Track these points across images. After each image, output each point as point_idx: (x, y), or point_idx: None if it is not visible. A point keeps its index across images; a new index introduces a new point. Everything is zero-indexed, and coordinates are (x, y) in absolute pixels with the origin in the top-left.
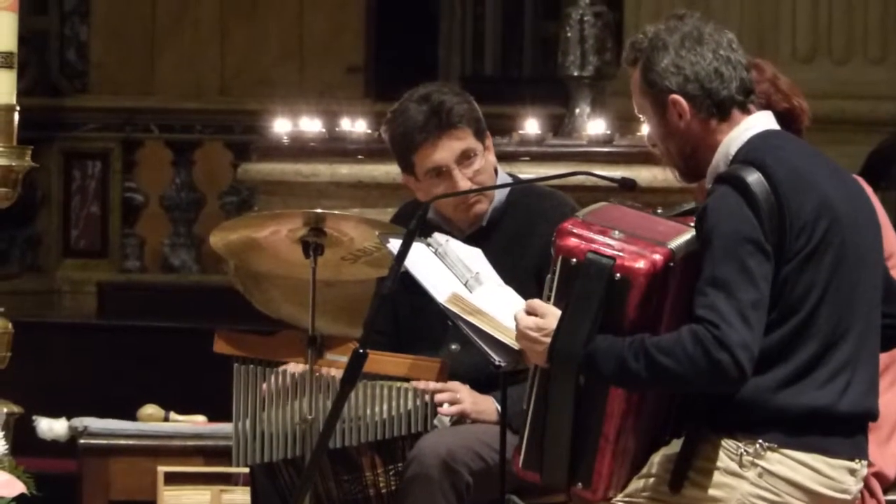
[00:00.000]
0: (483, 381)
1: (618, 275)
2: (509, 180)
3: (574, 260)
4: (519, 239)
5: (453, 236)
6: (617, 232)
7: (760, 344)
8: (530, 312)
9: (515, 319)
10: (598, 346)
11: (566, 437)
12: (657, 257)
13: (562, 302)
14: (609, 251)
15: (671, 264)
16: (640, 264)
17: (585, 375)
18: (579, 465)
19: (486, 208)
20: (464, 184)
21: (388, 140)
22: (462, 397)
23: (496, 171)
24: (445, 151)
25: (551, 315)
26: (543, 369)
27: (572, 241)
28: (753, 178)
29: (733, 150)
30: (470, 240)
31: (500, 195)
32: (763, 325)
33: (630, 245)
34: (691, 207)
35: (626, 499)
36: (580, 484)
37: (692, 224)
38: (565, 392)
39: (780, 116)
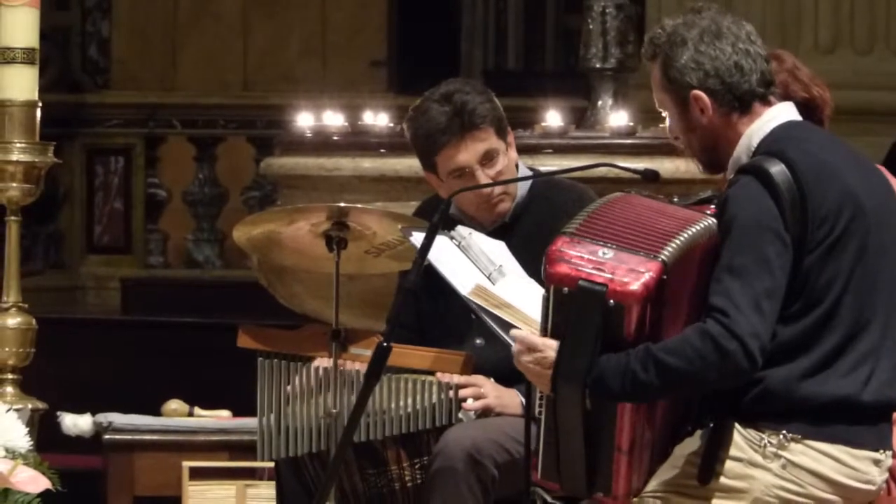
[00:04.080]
0: (507, 374)
1: (611, 301)
2: (531, 174)
3: (566, 289)
4: (541, 233)
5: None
6: (607, 250)
7: (784, 334)
8: (522, 342)
9: (514, 355)
10: (603, 367)
11: (580, 454)
12: (649, 276)
13: (559, 329)
14: (600, 276)
15: (665, 277)
16: (634, 287)
17: (596, 400)
18: (597, 476)
19: (508, 207)
20: (485, 174)
21: (410, 139)
22: (486, 391)
23: (517, 167)
24: (468, 153)
25: (548, 348)
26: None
27: (562, 269)
28: (776, 168)
29: (755, 141)
30: (493, 235)
31: (522, 190)
32: (776, 314)
33: (621, 266)
34: (708, 196)
35: (652, 494)
36: (600, 493)
37: (707, 212)
38: (573, 415)
39: (799, 106)
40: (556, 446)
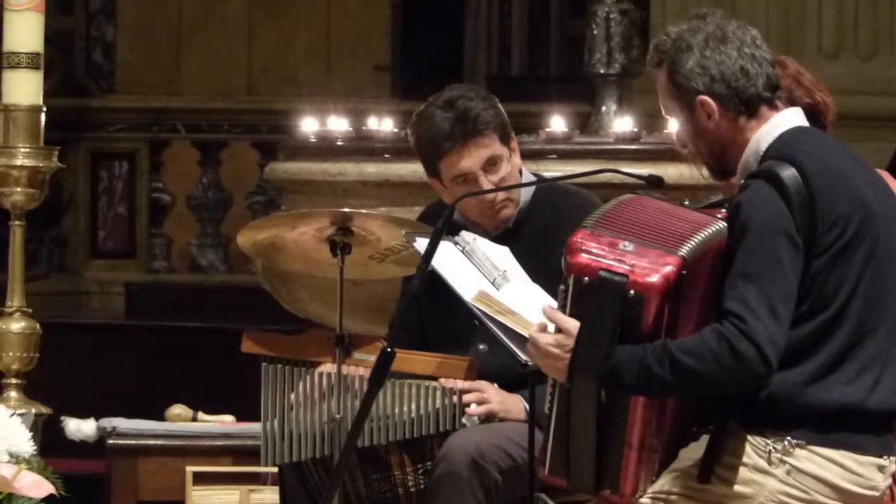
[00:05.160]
0: (511, 380)
1: (631, 292)
2: (534, 180)
3: (586, 279)
4: (545, 239)
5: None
6: (627, 243)
7: (789, 337)
8: (551, 319)
9: (531, 338)
10: (619, 358)
11: (590, 448)
12: (669, 269)
13: (577, 319)
14: (621, 267)
15: (684, 272)
16: (654, 279)
17: (609, 390)
18: (605, 472)
19: (512, 213)
20: (487, 180)
21: (414, 145)
22: (489, 397)
23: (521, 172)
24: (472, 159)
25: (573, 331)
26: (563, 385)
27: (583, 259)
28: (788, 172)
29: (763, 146)
30: (496, 241)
31: (525, 195)
32: (790, 318)
33: (641, 258)
34: (719, 200)
35: (655, 495)
36: (608, 490)
37: (718, 216)
38: (587, 406)
39: (803, 112)
40: (566, 440)
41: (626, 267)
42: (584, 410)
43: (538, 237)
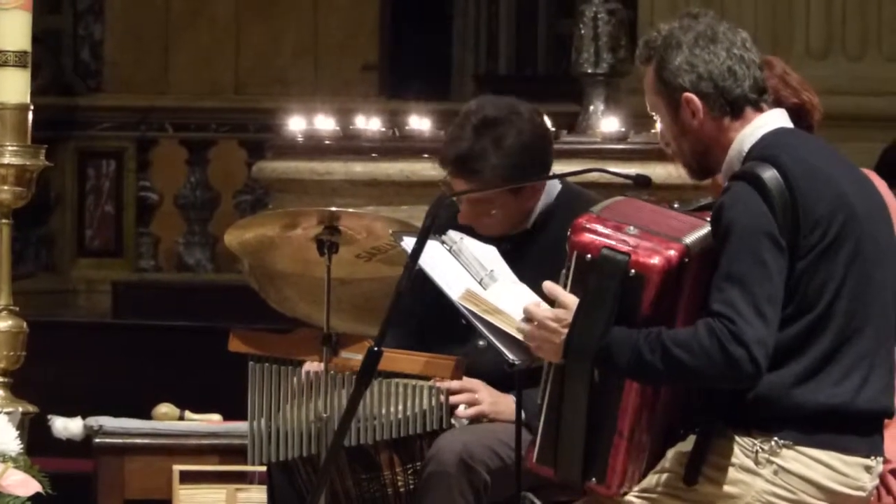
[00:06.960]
0: (507, 377)
1: (633, 271)
2: (559, 185)
3: (589, 256)
4: (562, 243)
5: (499, 239)
6: (632, 227)
7: (775, 339)
8: (551, 294)
9: (528, 311)
10: (613, 338)
11: (580, 433)
12: (672, 253)
13: (576, 296)
14: (624, 247)
15: (686, 260)
16: (655, 260)
17: (600, 369)
18: (593, 461)
19: (496, 228)
20: (464, 210)
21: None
22: (481, 397)
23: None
24: (456, 185)
25: (572, 306)
26: (558, 365)
27: (587, 237)
28: (769, 174)
29: (746, 147)
30: (514, 241)
31: (549, 197)
32: (778, 318)
33: (645, 241)
34: (708, 202)
35: (642, 493)
36: (594, 479)
37: (708, 219)
38: (580, 388)
39: (789, 112)
40: (557, 425)
41: (630, 247)
42: (576, 392)
43: (556, 241)
